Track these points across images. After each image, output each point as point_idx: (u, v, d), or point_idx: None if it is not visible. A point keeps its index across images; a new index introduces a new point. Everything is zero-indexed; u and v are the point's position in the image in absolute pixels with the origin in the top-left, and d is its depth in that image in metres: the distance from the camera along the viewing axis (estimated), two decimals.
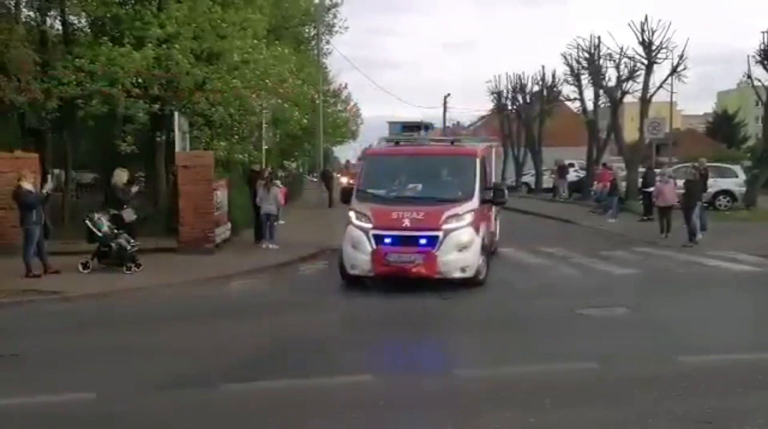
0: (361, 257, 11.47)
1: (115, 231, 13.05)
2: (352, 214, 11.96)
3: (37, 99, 15.88)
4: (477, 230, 11.63)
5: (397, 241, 11.36)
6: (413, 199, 12.00)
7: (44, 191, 12.87)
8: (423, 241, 11.25)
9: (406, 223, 11.33)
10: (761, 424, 5.63)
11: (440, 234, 11.24)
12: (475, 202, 11.85)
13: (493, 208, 14.01)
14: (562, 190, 33.86)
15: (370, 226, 11.52)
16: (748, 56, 25.05)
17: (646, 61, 27.79)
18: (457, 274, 11.31)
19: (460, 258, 11.30)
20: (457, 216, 11.46)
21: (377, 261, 11.28)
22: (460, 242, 11.31)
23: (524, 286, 12.18)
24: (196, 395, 6.54)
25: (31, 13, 18.93)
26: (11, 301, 10.69)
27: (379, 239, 11.38)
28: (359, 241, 11.52)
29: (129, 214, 13.64)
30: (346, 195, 12.72)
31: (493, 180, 14.09)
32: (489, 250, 12.97)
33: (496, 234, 15.08)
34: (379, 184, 12.74)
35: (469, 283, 11.42)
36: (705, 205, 19.28)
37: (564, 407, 6.01)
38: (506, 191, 13.01)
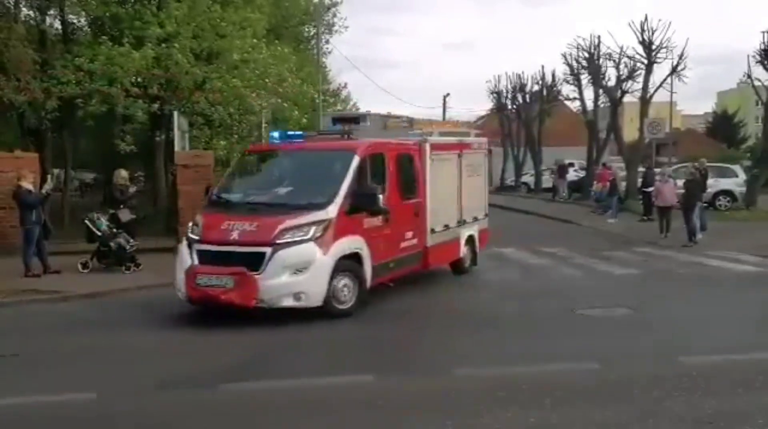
0: (180, 277, 9.51)
1: (115, 231, 13.05)
2: (189, 223, 10.28)
3: (36, 98, 15.90)
4: (327, 247, 9.22)
5: (211, 258, 9.27)
6: (260, 207, 9.78)
7: (44, 191, 12.86)
8: (243, 260, 9.01)
9: (234, 235, 9.21)
10: (761, 424, 5.62)
11: (267, 251, 8.98)
12: (331, 211, 9.39)
13: (433, 217, 11.48)
14: (562, 190, 33.85)
15: (197, 238, 9.59)
16: (748, 56, 25.09)
17: (646, 61, 27.78)
18: (289, 303, 9.01)
19: (292, 282, 8.99)
20: (298, 228, 9.16)
21: (188, 283, 9.27)
22: (294, 262, 9.00)
23: (525, 286, 12.17)
24: (196, 395, 6.53)
25: (31, 12, 18.98)
26: (11, 301, 10.68)
27: (199, 256, 9.40)
28: (183, 257, 9.61)
29: (125, 214, 13.58)
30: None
31: (428, 184, 11.36)
32: (385, 271, 10.43)
33: (460, 249, 12.59)
34: (238, 188, 10.79)
35: (338, 315, 9.34)
36: (705, 205, 19.29)
37: (564, 407, 6.00)
38: (379, 197, 9.85)
